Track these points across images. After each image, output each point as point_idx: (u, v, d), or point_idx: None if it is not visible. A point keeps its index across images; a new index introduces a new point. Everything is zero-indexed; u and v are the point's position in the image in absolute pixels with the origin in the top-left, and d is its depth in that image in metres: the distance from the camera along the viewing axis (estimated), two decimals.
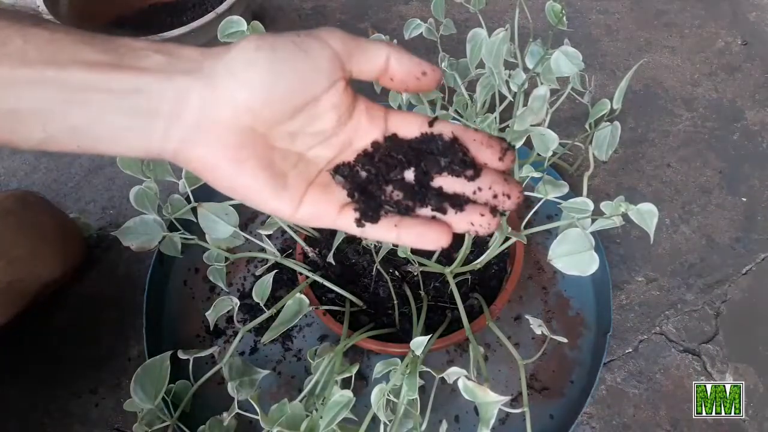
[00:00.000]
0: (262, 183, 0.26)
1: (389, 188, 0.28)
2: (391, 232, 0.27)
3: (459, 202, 0.27)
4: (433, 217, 0.28)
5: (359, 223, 0.27)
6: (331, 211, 0.28)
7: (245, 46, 0.25)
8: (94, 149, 0.25)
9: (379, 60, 0.27)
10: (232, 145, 0.25)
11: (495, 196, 0.27)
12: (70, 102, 0.24)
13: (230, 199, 0.51)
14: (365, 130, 0.29)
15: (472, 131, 0.28)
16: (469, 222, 0.27)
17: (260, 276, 0.53)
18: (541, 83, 0.50)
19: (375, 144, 0.29)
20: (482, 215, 0.27)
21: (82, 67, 0.24)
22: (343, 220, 0.28)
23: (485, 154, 0.28)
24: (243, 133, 0.26)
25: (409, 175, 0.28)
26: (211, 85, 0.25)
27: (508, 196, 0.27)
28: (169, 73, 0.25)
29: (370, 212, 0.27)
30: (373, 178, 0.28)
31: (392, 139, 0.29)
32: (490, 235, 0.60)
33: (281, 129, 0.26)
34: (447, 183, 0.28)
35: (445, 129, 0.29)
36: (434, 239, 0.27)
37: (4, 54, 0.23)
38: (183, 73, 0.25)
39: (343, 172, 0.28)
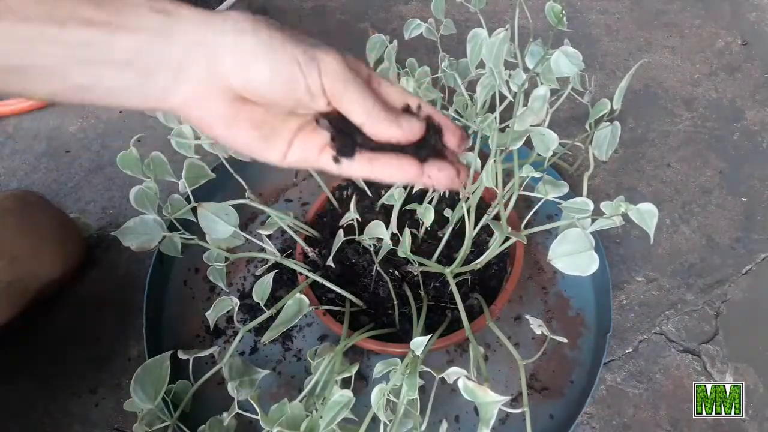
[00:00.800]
0: (256, 139, 0.29)
1: (369, 140, 0.30)
2: (366, 168, 0.30)
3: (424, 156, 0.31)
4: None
5: (336, 159, 0.30)
6: (313, 153, 0.30)
7: (255, 37, 0.26)
8: (97, 103, 0.27)
9: (355, 119, 0.29)
10: (228, 112, 0.28)
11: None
12: (70, 60, 0.24)
13: (230, 198, 0.52)
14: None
15: (444, 117, 0.32)
16: (428, 175, 0.31)
17: (260, 276, 0.53)
18: (541, 83, 0.50)
19: None
20: (440, 171, 0.31)
21: (80, 25, 0.24)
22: (324, 159, 0.30)
23: (450, 139, 0.32)
24: (236, 102, 0.28)
25: None
26: (213, 60, 0.26)
27: (458, 175, 0.32)
28: (167, 36, 0.26)
29: (346, 149, 0.30)
30: (354, 126, 0.30)
31: None
32: (490, 235, 0.60)
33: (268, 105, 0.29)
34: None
35: (427, 110, 0.32)
36: (406, 171, 0.30)
37: (6, 8, 0.23)
38: (182, 36, 0.26)
39: (329, 119, 0.30)
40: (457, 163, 0.32)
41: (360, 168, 0.30)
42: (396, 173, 0.30)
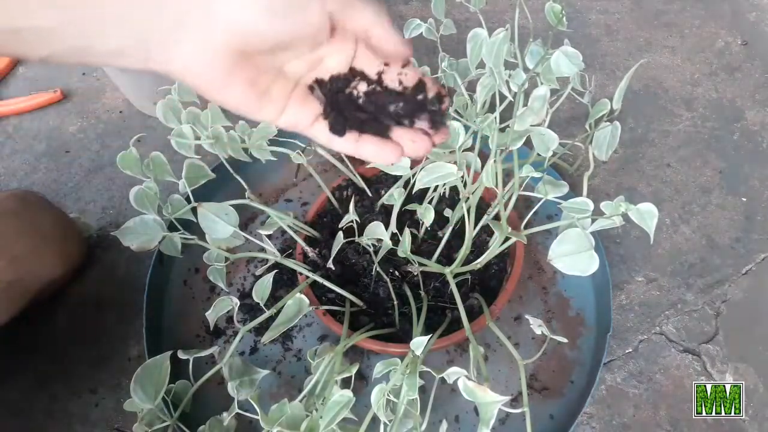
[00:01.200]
0: (250, 99, 0.30)
1: (358, 113, 0.33)
2: (351, 146, 0.33)
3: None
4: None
5: (328, 136, 0.32)
6: (305, 121, 0.32)
7: None
8: (94, 64, 0.28)
9: (363, 24, 0.30)
10: (224, 72, 0.28)
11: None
12: (64, 23, 0.24)
13: (230, 198, 0.52)
14: (338, 51, 0.32)
15: (430, 79, 0.33)
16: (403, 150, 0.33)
17: (260, 276, 0.53)
18: (541, 83, 0.50)
19: (363, 75, 0.33)
20: (414, 142, 0.33)
21: None
22: (316, 129, 0.33)
23: (430, 95, 0.33)
24: (233, 60, 0.28)
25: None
26: (208, 14, 0.26)
27: (437, 136, 0.34)
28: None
29: (338, 126, 0.32)
30: (344, 98, 0.32)
31: (379, 83, 0.33)
32: (490, 235, 0.60)
33: (266, 52, 0.30)
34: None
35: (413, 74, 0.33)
36: (387, 156, 0.32)
37: None
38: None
39: (323, 90, 0.32)
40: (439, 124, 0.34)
41: (347, 146, 0.33)
42: (376, 155, 0.33)
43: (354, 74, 0.33)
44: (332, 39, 0.31)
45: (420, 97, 0.33)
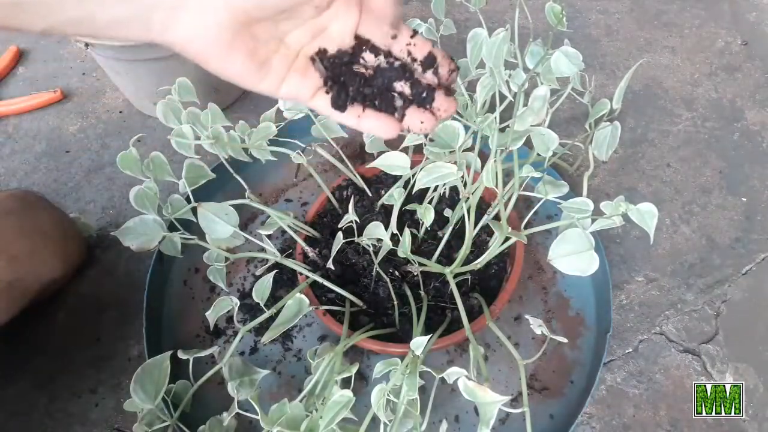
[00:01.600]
0: (250, 70, 0.29)
1: (362, 88, 0.32)
2: (353, 121, 0.32)
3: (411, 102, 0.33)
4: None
5: (329, 110, 0.32)
6: (306, 93, 0.32)
7: None
8: (95, 36, 0.28)
9: None
10: (225, 42, 0.28)
11: (438, 108, 0.33)
12: None
13: (230, 198, 0.52)
14: (341, 18, 0.31)
15: (440, 52, 0.33)
16: (407, 127, 0.33)
17: (260, 276, 0.53)
18: (541, 83, 0.50)
19: (369, 45, 0.32)
20: (422, 123, 0.33)
21: None
22: (316, 102, 0.32)
23: (442, 71, 0.33)
24: (234, 30, 0.28)
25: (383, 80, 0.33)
26: None
27: (446, 111, 0.33)
28: None
29: (340, 102, 0.32)
30: (347, 72, 0.32)
31: (387, 54, 0.32)
32: (490, 235, 0.60)
33: (267, 21, 0.29)
34: (407, 90, 0.33)
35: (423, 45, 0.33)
36: (387, 131, 0.32)
37: None
38: None
39: (324, 63, 0.32)
40: (448, 95, 0.33)
41: (348, 120, 0.32)
42: (376, 128, 0.32)
43: (360, 43, 0.31)
44: (338, 8, 0.30)
45: (430, 73, 0.32)
